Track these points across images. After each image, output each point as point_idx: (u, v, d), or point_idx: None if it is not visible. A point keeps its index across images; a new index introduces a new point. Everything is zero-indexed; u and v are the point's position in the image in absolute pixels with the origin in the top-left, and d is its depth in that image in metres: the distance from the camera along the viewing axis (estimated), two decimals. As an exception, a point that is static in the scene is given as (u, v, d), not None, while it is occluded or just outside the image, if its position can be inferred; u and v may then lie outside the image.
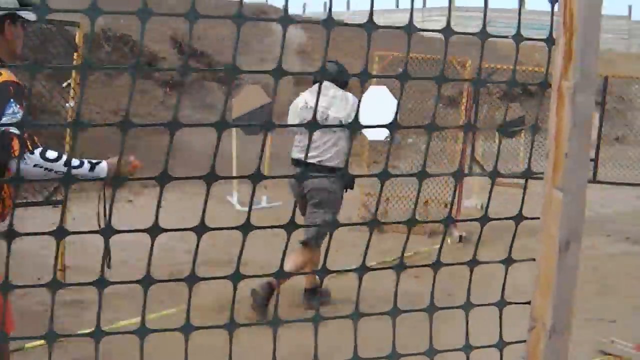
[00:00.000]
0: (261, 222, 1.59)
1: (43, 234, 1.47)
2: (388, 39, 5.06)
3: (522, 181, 1.93)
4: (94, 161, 2.94)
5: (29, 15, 2.89)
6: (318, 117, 4.86)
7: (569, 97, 1.53)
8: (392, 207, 8.94)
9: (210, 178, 1.48)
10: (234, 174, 8.21)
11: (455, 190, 2.12)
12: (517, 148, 12.24)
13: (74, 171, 2.88)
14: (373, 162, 9.59)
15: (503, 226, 7.12)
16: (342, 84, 5.51)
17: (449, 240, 7.69)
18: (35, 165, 2.72)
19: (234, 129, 9.18)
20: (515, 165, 12.04)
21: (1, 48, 2.86)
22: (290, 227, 1.60)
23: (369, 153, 8.98)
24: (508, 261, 1.82)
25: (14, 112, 2.69)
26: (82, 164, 2.90)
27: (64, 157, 2.83)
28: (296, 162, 5.44)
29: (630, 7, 37.05)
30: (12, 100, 2.72)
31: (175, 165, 2.82)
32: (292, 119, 5.59)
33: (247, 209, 1.59)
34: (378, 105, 5.62)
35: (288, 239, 1.62)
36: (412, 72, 8.16)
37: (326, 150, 5.28)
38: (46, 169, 2.74)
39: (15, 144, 2.65)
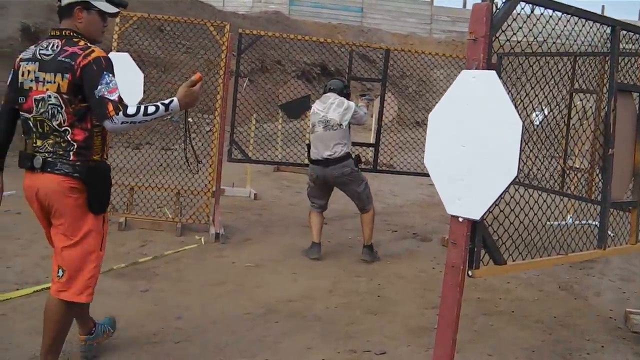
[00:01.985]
0: None
1: None
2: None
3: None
4: (166, 101, 3.48)
5: (106, 7, 3.56)
6: (322, 119, 6.80)
7: None
8: (138, 198, 7.85)
9: None
10: None
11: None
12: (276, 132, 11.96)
13: (153, 116, 3.41)
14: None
15: (278, 220, 6.73)
16: (346, 95, 7.04)
17: (202, 240, 7.12)
18: (122, 123, 3.32)
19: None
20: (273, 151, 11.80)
21: (79, 29, 3.50)
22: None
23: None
24: None
25: (108, 81, 3.32)
26: (157, 108, 3.43)
27: (142, 109, 3.36)
28: (314, 161, 6.83)
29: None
30: (105, 71, 3.34)
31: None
32: (311, 121, 6.99)
33: None
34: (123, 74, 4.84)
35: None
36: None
37: (334, 147, 6.70)
38: (131, 122, 3.34)
39: (110, 107, 3.29)
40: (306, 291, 5.87)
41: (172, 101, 3.50)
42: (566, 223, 5.07)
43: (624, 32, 4.31)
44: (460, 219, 3.35)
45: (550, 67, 4.48)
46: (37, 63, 3.46)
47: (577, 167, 7.07)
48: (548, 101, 4.47)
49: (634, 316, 5.59)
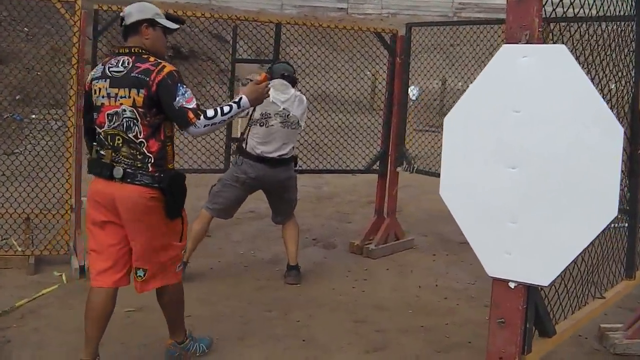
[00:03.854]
0: None
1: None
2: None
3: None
4: (236, 100, 3.77)
5: (168, 24, 3.83)
6: (282, 113, 5.63)
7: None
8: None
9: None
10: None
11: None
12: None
13: (229, 115, 3.69)
14: None
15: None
16: (294, 83, 5.89)
17: (64, 277, 5.50)
18: (205, 126, 3.59)
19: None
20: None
21: (145, 46, 3.73)
22: None
23: None
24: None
25: (183, 92, 3.57)
26: (231, 107, 3.70)
27: (219, 110, 3.65)
28: (258, 158, 5.61)
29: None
30: (179, 83, 3.59)
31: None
32: (261, 110, 5.57)
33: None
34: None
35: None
36: None
37: (286, 145, 5.67)
38: (212, 124, 3.62)
39: (191, 115, 3.55)
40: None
41: (241, 98, 3.78)
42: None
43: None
44: (512, 285, 2.10)
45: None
46: (108, 80, 3.65)
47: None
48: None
49: (611, 334, 4.65)
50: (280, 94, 5.67)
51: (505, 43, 2.06)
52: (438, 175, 5.91)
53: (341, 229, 7.71)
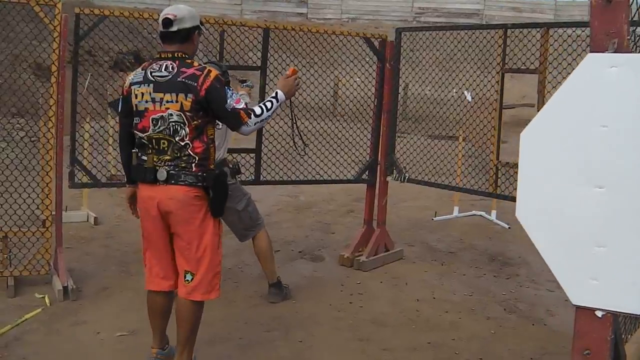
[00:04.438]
0: None
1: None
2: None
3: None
4: (274, 95, 3.92)
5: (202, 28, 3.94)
6: None
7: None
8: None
9: None
10: None
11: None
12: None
13: (272, 110, 3.85)
14: None
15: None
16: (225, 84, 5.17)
17: (47, 300, 5.14)
18: (255, 124, 3.79)
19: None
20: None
21: (189, 51, 3.80)
22: None
23: None
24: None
25: (231, 94, 3.88)
26: (272, 102, 3.86)
27: (263, 106, 3.82)
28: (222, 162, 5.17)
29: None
30: (226, 87, 3.85)
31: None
32: None
33: None
34: None
35: None
36: None
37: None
38: (261, 120, 3.81)
39: (243, 115, 3.73)
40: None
41: (277, 93, 3.95)
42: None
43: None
44: (600, 314, 1.94)
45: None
46: (152, 85, 3.68)
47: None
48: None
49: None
50: None
51: (591, 52, 1.89)
52: (431, 185, 5.61)
53: (326, 240, 7.51)
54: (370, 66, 6.90)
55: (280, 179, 6.57)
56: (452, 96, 6.48)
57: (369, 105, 6.83)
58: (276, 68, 6.99)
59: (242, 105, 3.74)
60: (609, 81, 1.87)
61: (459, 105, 6.55)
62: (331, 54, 7.30)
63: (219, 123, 5.13)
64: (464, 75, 6.40)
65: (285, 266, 6.38)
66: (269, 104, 3.85)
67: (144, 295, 5.49)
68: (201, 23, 3.94)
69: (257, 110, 3.80)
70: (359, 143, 6.87)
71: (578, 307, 1.99)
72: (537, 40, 5.39)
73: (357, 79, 6.94)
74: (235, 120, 3.75)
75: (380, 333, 4.90)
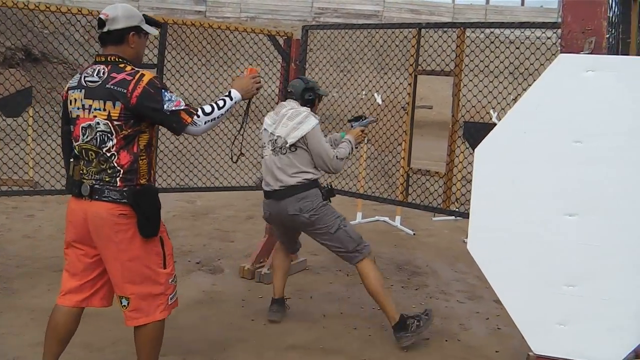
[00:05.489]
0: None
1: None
2: None
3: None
4: (226, 94, 3.68)
5: (150, 29, 3.63)
6: (271, 138, 4.83)
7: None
8: None
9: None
10: None
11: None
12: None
13: (225, 109, 3.60)
14: None
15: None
16: (308, 102, 4.93)
17: None
18: (205, 122, 3.50)
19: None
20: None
21: (127, 54, 3.52)
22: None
23: None
24: None
25: (169, 97, 3.41)
26: (224, 101, 3.61)
27: (214, 105, 3.57)
28: (265, 193, 4.95)
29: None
30: (162, 90, 3.42)
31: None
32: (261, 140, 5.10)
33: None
34: None
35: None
36: None
37: (284, 173, 4.76)
38: (212, 119, 3.53)
39: (184, 116, 3.44)
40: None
41: (230, 92, 3.70)
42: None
43: None
44: (568, 365, 1.62)
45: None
46: (83, 90, 3.47)
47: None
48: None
49: None
50: (272, 117, 4.97)
51: (562, 52, 1.57)
52: (338, 192, 5.23)
53: (225, 250, 7.06)
54: (267, 65, 6.55)
55: (177, 185, 6.09)
56: (362, 98, 6.17)
57: (272, 107, 6.44)
58: (174, 67, 6.52)
59: (182, 107, 3.44)
60: (585, 88, 1.56)
61: (368, 108, 6.26)
62: (227, 53, 6.85)
63: (266, 154, 4.84)
64: (374, 77, 6.11)
65: (182, 279, 5.85)
66: (221, 102, 3.59)
67: (27, 316, 4.91)
68: (153, 23, 3.69)
69: (207, 108, 3.54)
70: (257, 144, 6.49)
71: (540, 357, 1.67)
72: (453, 41, 5.15)
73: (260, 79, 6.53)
74: (176, 123, 3.46)
75: (286, 357, 4.52)
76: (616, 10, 2.33)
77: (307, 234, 4.95)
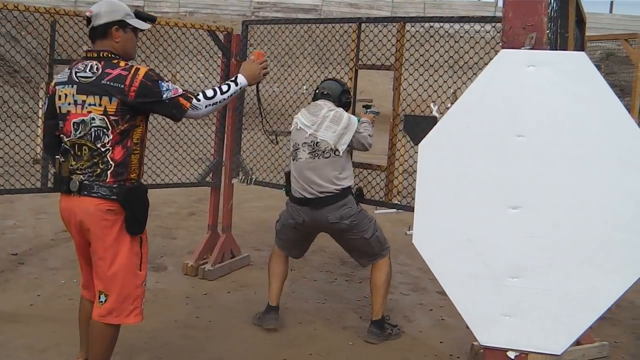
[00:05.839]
0: None
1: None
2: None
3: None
4: (233, 79, 3.64)
5: (139, 24, 3.59)
6: (310, 142, 4.65)
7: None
8: None
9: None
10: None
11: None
12: None
13: (228, 94, 3.56)
14: None
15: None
16: (345, 105, 4.89)
17: None
18: (206, 106, 3.48)
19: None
20: None
21: (114, 49, 3.49)
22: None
23: None
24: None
25: (166, 87, 3.40)
26: (229, 86, 3.58)
27: (217, 89, 3.54)
28: (297, 200, 4.75)
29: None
30: (158, 81, 3.41)
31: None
32: (291, 141, 4.87)
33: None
34: None
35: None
36: None
37: (323, 179, 4.63)
38: (214, 103, 3.51)
39: (183, 101, 3.41)
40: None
41: (236, 77, 3.65)
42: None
43: None
44: (512, 355, 1.66)
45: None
46: (75, 86, 3.45)
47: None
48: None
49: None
50: (308, 116, 4.75)
51: (503, 47, 1.60)
52: (279, 187, 5.28)
53: (168, 247, 6.98)
54: (207, 60, 6.49)
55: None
56: (303, 93, 6.16)
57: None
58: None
59: (180, 92, 3.43)
60: (526, 82, 1.59)
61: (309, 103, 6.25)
62: (167, 49, 6.77)
63: (301, 157, 4.66)
64: (314, 72, 6.10)
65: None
66: (225, 87, 3.56)
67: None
68: (146, 18, 3.69)
69: (209, 92, 3.51)
70: (198, 140, 6.42)
71: (487, 348, 1.69)
72: (393, 36, 5.18)
73: (201, 75, 6.48)
74: (176, 109, 3.44)
75: (234, 351, 4.50)
76: (554, 5, 2.38)
77: (334, 238, 4.91)
